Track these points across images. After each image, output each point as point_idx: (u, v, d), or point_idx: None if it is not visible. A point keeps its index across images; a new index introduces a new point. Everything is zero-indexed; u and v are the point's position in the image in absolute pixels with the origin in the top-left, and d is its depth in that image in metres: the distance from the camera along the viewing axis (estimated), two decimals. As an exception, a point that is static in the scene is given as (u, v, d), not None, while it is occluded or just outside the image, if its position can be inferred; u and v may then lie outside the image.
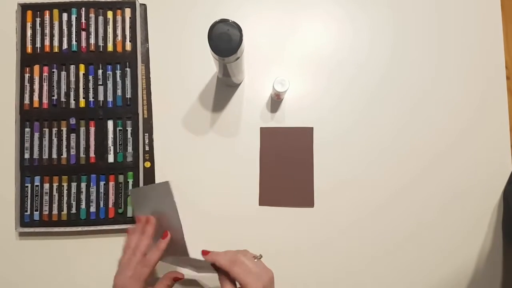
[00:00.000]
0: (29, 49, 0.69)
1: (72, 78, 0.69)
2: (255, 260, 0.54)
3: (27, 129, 0.68)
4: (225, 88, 0.71)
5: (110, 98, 0.69)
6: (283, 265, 0.67)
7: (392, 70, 0.72)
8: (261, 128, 0.70)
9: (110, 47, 0.69)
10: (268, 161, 0.70)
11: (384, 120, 0.71)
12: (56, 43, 0.69)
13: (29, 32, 0.69)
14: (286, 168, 0.70)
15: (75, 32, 0.69)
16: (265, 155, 0.70)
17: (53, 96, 0.68)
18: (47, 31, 0.69)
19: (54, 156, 0.68)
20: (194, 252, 0.57)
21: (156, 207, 0.61)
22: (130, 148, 0.68)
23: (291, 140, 0.70)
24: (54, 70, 0.69)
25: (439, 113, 0.71)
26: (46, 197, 0.67)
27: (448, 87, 0.72)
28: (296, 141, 0.70)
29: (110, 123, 0.68)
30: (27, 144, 0.68)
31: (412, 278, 0.69)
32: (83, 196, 0.67)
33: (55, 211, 0.67)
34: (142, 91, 0.70)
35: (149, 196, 0.62)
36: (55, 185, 0.67)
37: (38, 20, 0.69)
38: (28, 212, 0.67)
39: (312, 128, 0.70)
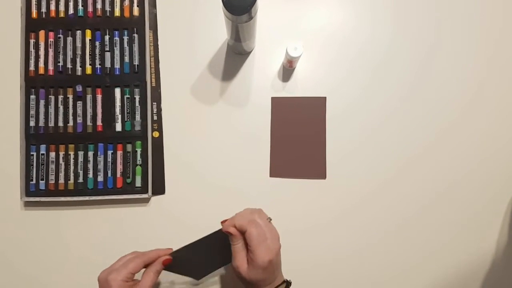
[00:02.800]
0: (34, 14, 0.67)
1: (79, 44, 0.67)
2: (268, 221, 0.54)
3: (33, 96, 0.66)
4: (235, 56, 0.69)
5: (117, 65, 0.67)
6: (294, 237, 0.66)
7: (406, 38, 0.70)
8: (272, 98, 0.68)
9: (117, 12, 0.67)
10: (279, 131, 0.68)
11: (397, 88, 0.69)
12: (62, 7, 0.67)
13: (34, -4, 0.67)
14: (298, 139, 0.68)
15: (81, -4, 0.67)
16: (276, 125, 0.68)
17: (59, 62, 0.66)
18: (52, -5, 0.67)
19: (60, 124, 0.66)
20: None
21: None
22: (138, 117, 0.66)
23: (303, 111, 0.68)
24: (60, 35, 0.67)
25: (450, 79, 0.69)
26: (52, 166, 0.65)
27: (455, 55, 0.70)
28: (308, 111, 0.68)
29: (117, 91, 0.66)
30: (32, 112, 0.66)
31: (429, 250, 0.67)
32: (90, 165, 0.66)
33: (61, 180, 0.65)
34: (150, 59, 0.68)
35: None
36: (61, 153, 0.66)
37: (43, -16, 0.67)
38: (34, 181, 0.65)
39: (325, 98, 0.68)
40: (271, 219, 0.56)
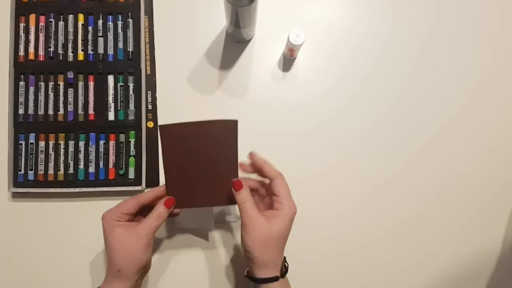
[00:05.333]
0: (24, -4, 0.64)
1: (70, 29, 0.64)
2: None
3: (22, 83, 0.63)
4: (234, 44, 0.66)
5: (110, 52, 0.64)
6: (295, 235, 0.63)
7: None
8: (160, 127, 0.52)
9: (111, -4, 0.64)
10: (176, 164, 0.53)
11: (399, 81, 0.67)
12: (53, -10, 0.64)
13: (24, -22, 0.64)
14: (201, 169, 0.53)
15: (74, -21, 0.64)
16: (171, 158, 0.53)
17: (50, 48, 0.64)
18: (43, -23, 0.64)
19: (50, 112, 0.63)
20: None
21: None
22: (132, 106, 0.64)
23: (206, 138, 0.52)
24: (51, 19, 0.64)
25: (451, 72, 0.67)
26: (41, 156, 0.63)
27: (456, 46, 0.68)
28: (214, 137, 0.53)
29: (110, 78, 0.64)
30: (21, 99, 0.63)
31: (430, 248, 0.65)
32: (81, 156, 0.63)
33: (51, 171, 0.63)
34: (145, 45, 0.65)
35: None
36: (51, 143, 0.63)
37: (34, -34, 0.64)
38: (22, 172, 0.62)
39: (236, 121, 0.52)
40: None
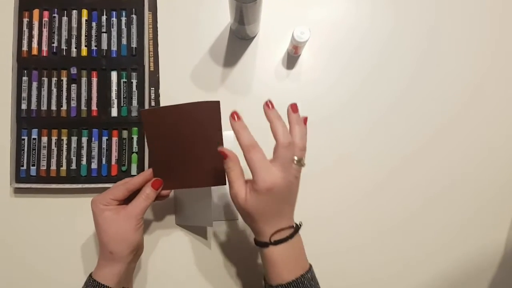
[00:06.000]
0: (28, -9, 0.64)
1: (74, 25, 0.64)
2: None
3: (25, 78, 0.63)
4: (238, 41, 0.66)
5: (114, 47, 0.64)
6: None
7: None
8: (141, 111, 0.53)
9: (115, -8, 0.64)
10: (159, 148, 0.54)
11: (402, 80, 0.67)
12: (57, -15, 0.64)
13: (28, -27, 0.64)
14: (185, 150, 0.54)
15: (78, -26, 0.64)
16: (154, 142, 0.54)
17: (53, 43, 0.63)
18: (47, -27, 0.64)
19: (53, 107, 0.63)
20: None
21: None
22: (135, 102, 0.63)
23: (188, 119, 0.53)
24: (55, 15, 0.64)
25: (449, 79, 0.67)
26: (44, 151, 0.62)
27: (457, 45, 0.68)
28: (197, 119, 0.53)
29: (113, 74, 0.63)
30: (24, 94, 0.63)
31: (430, 247, 0.65)
32: (84, 152, 0.63)
33: (53, 167, 0.62)
34: (149, 42, 0.65)
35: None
36: (54, 138, 0.63)
37: (38, -39, 0.64)
38: (25, 167, 0.62)
39: (218, 102, 0.52)
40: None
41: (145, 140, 0.53)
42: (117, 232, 0.51)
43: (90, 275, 0.52)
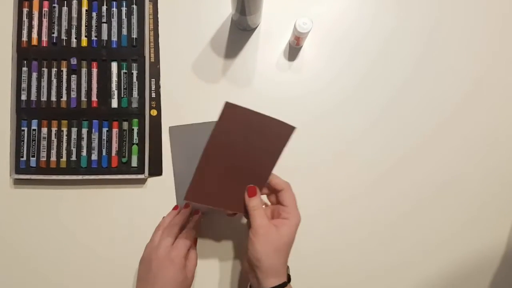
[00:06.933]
0: (27, -19, 0.63)
1: (74, 15, 0.63)
2: None
3: (25, 69, 0.62)
4: (239, 32, 0.66)
5: (114, 38, 0.63)
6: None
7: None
8: (226, 104, 0.49)
9: (115, -18, 0.63)
10: (218, 149, 0.50)
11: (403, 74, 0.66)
12: (57, -25, 0.63)
13: (28, -37, 0.63)
14: (238, 164, 0.51)
15: (78, -36, 0.63)
16: (217, 142, 0.50)
17: (53, 33, 0.63)
18: (47, -38, 0.63)
19: (53, 98, 0.62)
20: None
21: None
22: (135, 93, 0.63)
23: (260, 131, 0.51)
24: (55, 5, 0.63)
25: (453, 73, 0.67)
26: (44, 143, 0.62)
27: (460, 42, 0.67)
28: (267, 135, 0.51)
29: (114, 65, 0.63)
30: (24, 85, 0.62)
31: (429, 245, 0.64)
32: (84, 143, 0.62)
33: (53, 158, 0.62)
34: (149, 32, 0.64)
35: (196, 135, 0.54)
36: (53, 129, 0.62)
37: (38, -50, 0.63)
38: (24, 158, 0.62)
39: (294, 127, 0.52)
40: None
41: (211, 133, 0.49)
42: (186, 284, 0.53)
43: None
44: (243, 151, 0.50)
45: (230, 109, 0.48)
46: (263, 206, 0.51)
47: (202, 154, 0.49)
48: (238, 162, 0.51)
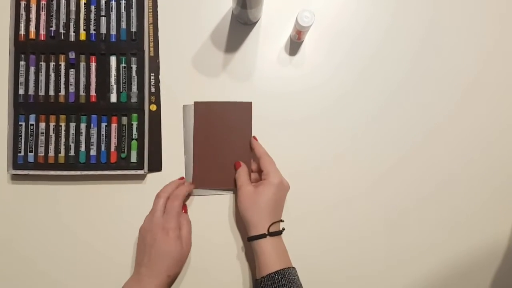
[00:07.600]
0: (25, -27, 0.62)
1: (73, 8, 0.62)
2: None
3: (22, 62, 0.62)
4: (240, 26, 0.65)
5: (113, 32, 0.62)
6: (292, 226, 0.62)
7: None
8: (195, 103, 0.62)
9: (114, -26, 0.63)
10: (203, 139, 0.62)
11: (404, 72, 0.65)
12: (55, -33, 0.62)
13: (25, -45, 0.62)
14: (223, 146, 0.62)
15: (76, -43, 0.62)
16: (200, 133, 0.62)
17: (51, 27, 0.62)
18: (45, -46, 0.62)
19: (51, 93, 0.62)
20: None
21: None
22: (134, 88, 0.62)
23: (228, 116, 0.62)
24: (53, -3, 0.62)
25: (454, 70, 0.66)
26: (41, 138, 0.61)
27: (458, 36, 0.66)
28: (234, 116, 0.62)
29: (113, 59, 0.62)
30: (21, 79, 0.61)
31: (428, 244, 0.64)
32: (82, 138, 0.62)
33: (51, 153, 0.61)
34: (149, 26, 0.63)
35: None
36: (51, 124, 0.61)
37: None
38: (22, 153, 0.61)
39: (250, 102, 0.62)
40: None
41: (193, 132, 0.62)
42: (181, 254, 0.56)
43: None
44: (223, 135, 0.61)
45: (199, 105, 0.62)
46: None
47: (193, 147, 0.62)
48: (223, 145, 0.61)
